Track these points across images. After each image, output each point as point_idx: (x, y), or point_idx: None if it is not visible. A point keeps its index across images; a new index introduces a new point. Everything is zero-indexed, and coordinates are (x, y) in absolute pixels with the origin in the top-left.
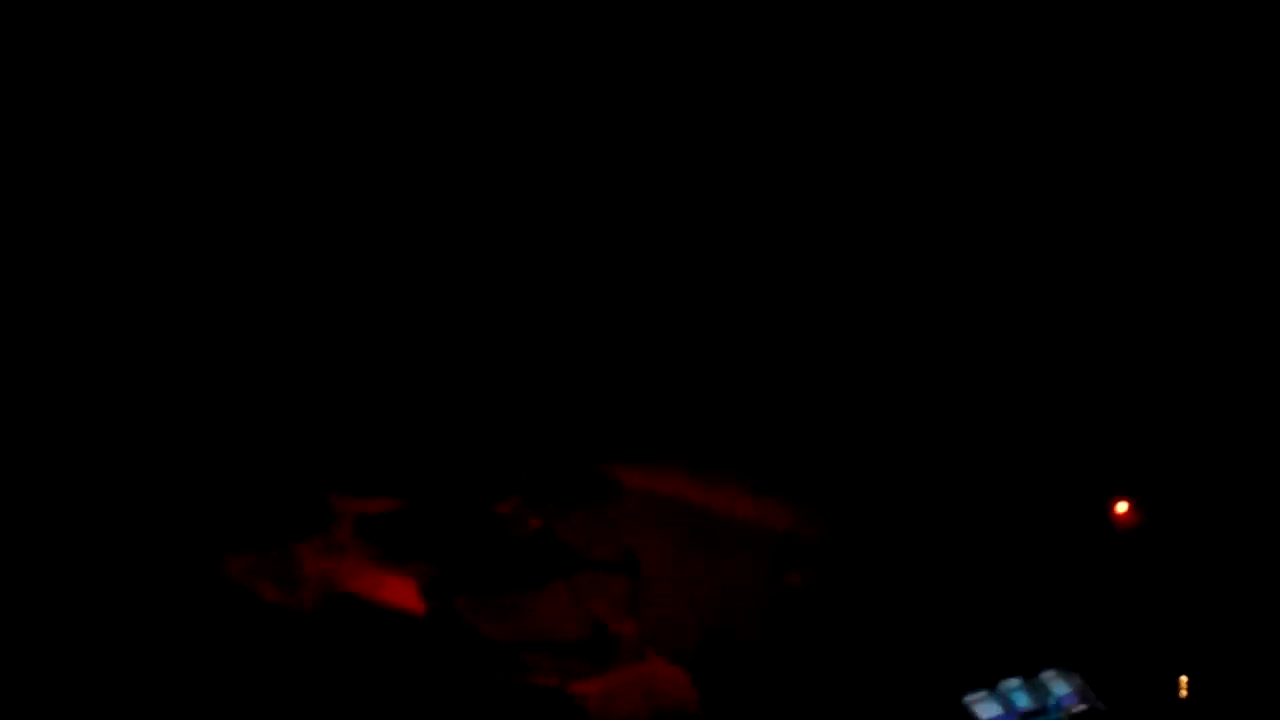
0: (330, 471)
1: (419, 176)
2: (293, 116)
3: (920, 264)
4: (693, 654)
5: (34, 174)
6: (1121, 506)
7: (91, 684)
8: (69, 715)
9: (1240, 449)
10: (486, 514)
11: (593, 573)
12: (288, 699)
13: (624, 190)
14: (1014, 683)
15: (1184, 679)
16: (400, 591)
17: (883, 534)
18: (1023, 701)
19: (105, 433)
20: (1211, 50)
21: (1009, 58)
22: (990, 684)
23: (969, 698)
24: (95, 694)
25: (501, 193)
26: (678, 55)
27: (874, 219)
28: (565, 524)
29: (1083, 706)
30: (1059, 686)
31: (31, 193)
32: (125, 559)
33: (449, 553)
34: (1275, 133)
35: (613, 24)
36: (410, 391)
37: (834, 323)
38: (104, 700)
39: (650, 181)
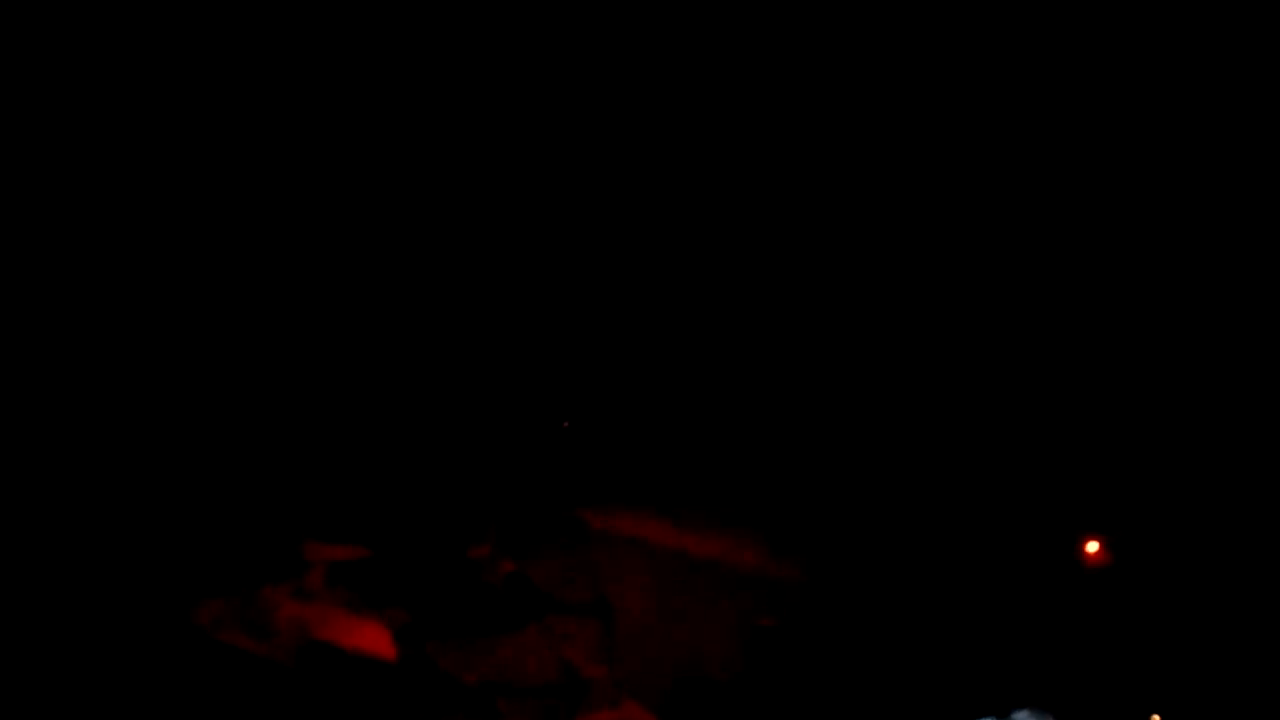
0: (301, 517)
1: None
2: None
3: (887, 297)
4: (668, 698)
5: (29, 175)
6: (1092, 546)
7: None
8: None
9: (1214, 484)
10: (459, 559)
11: (566, 616)
12: None
13: (588, 222)
14: None
15: (1156, 718)
16: (373, 638)
17: (856, 573)
18: None
19: (69, 470)
20: (1211, 50)
21: (1009, 58)
22: None
23: None
24: None
25: (467, 226)
26: (678, 55)
27: (836, 267)
28: (538, 568)
29: None
30: None
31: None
32: (90, 604)
33: (421, 598)
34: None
35: (613, 24)
36: (381, 435)
37: (804, 361)
38: None
39: (614, 210)
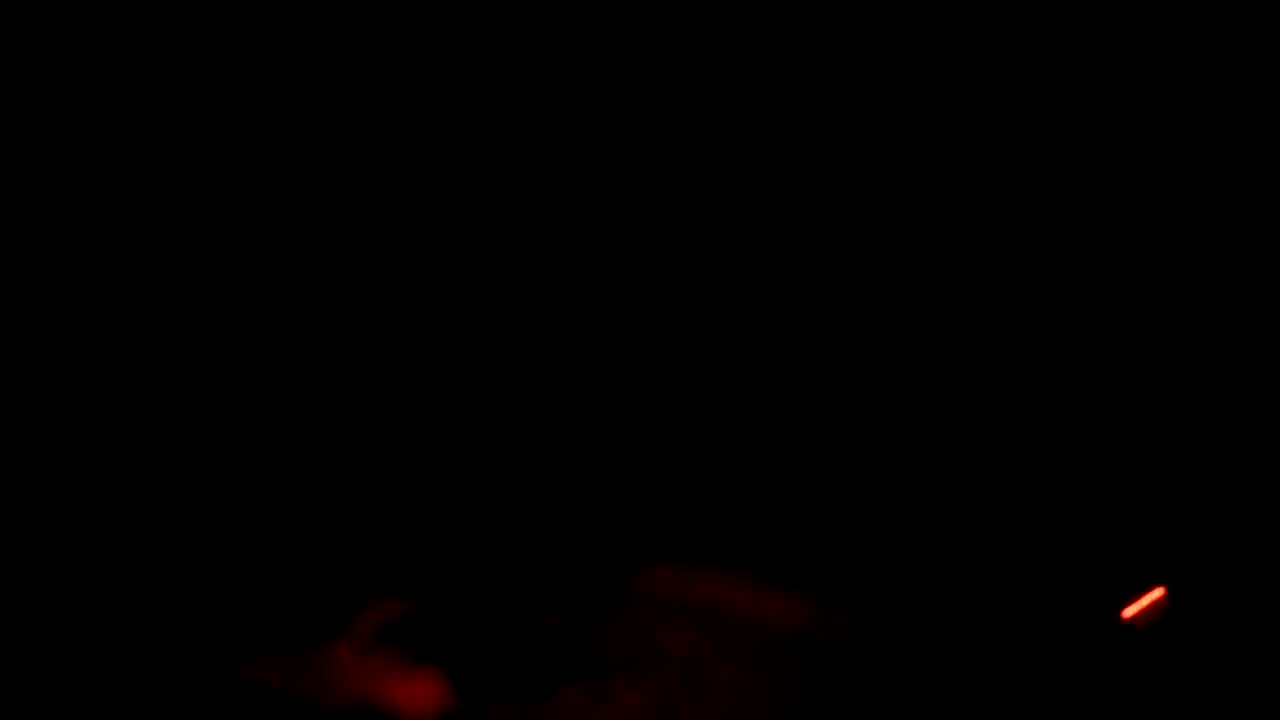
0: (350, 570)
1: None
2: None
3: (912, 336)
4: None
5: (31, 176)
6: (1145, 600)
7: None
8: None
9: (1269, 533)
10: (508, 615)
11: (614, 675)
12: None
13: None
14: None
15: None
16: (424, 693)
17: (908, 634)
18: None
19: (113, 523)
20: (1211, 50)
21: (1009, 58)
22: None
23: None
24: None
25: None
26: (677, 56)
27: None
28: (586, 625)
29: None
30: None
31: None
32: (137, 661)
33: (471, 655)
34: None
35: (613, 24)
36: (429, 492)
37: (849, 416)
38: None
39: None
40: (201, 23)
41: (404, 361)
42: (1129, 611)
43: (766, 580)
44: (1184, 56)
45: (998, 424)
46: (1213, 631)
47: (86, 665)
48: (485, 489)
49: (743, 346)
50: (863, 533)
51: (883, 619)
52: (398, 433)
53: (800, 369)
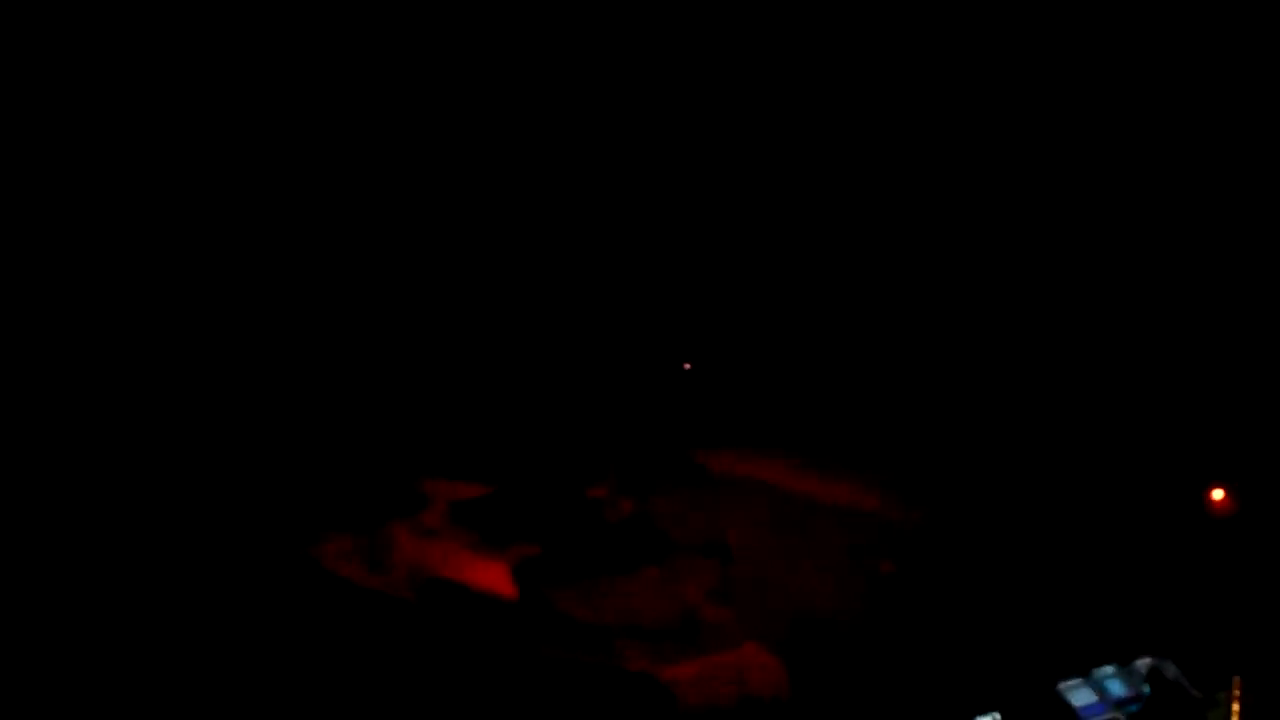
0: (423, 456)
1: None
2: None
3: (1008, 252)
4: (785, 640)
5: (37, 175)
6: (1217, 494)
7: (187, 664)
8: (171, 691)
9: None
10: (579, 498)
11: (685, 558)
12: (381, 681)
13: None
14: (1109, 670)
15: None
16: (492, 576)
17: (975, 519)
18: (1117, 689)
19: (200, 417)
20: (1211, 50)
21: (1009, 58)
22: (1084, 671)
23: (1063, 685)
24: (191, 673)
25: (587, 187)
26: (678, 56)
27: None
28: (657, 508)
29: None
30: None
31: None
32: (219, 542)
33: (541, 537)
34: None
35: (612, 24)
36: (504, 376)
37: (930, 304)
38: (199, 680)
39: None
40: (202, 24)
41: (477, 264)
42: (1202, 502)
43: (840, 467)
44: (1183, 57)
45: (1076, 327)
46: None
47: (167, 539)
48: (563, 376)
49: (832, 252)
50: (937, 425)
51: (954, 507)
52: (478, 325)
53: (890, 276)
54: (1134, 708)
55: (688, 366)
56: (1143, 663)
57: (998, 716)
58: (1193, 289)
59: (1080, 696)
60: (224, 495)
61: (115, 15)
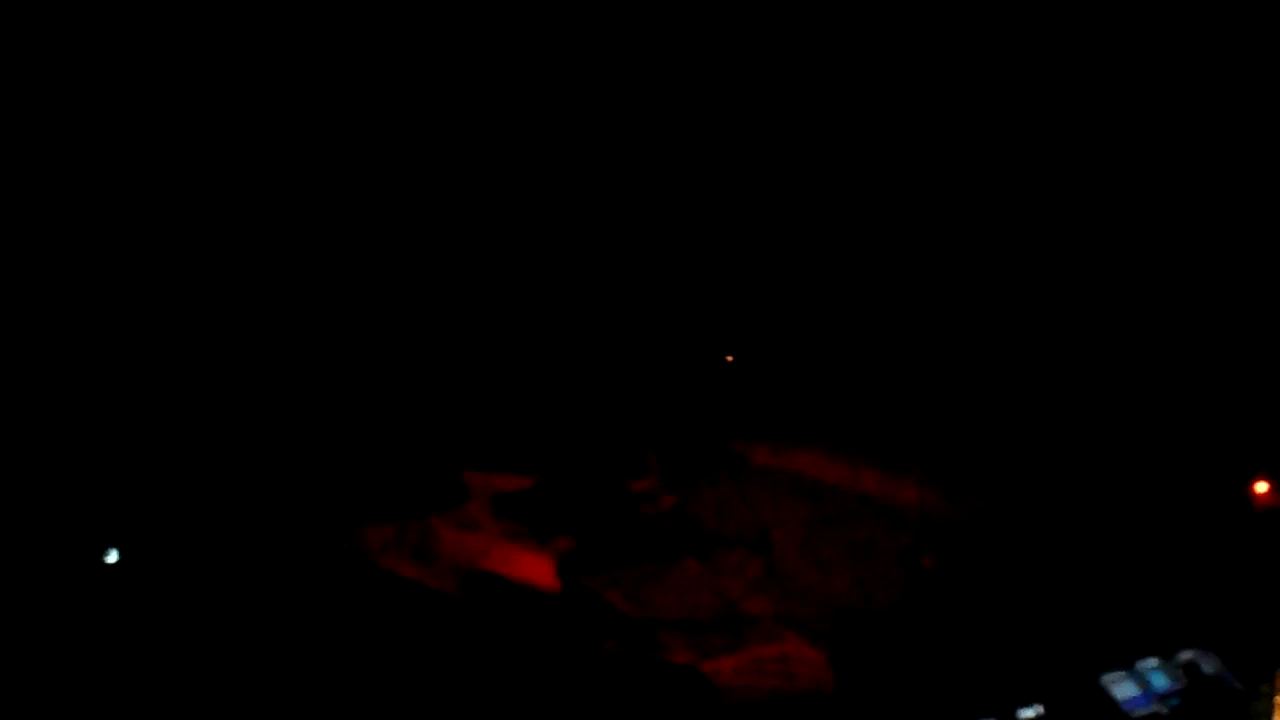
0: (466, 448)
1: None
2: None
3: (1055, 247)
4: (828, 633)
5: (40, 175)
6: (1261, 486)
7: (229, 654)
8: (214, 681)
9: None
10: (621, 491)
11: (727, 550)
12: (423, 673)
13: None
14: (1151, 663)
15: None
16: (535, 568)
17: (1018, 512)
18: (1160, 682)
19: (246, 410)
20: (1211, 50)
21: (1009, 58)
22: (1128, 664)
23: (1106, 677)
24: (233, 664)
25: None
26: (678, 56)
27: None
28: (700, 502)
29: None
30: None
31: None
32: (264, 533)
33: (584, 530)
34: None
35: (612, 24)
36: (547, 368)
37: (975, 300)
38: (242, 669)
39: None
40: (202, 25)
41: (515, 257)
42: (1247, 495)
43: (882, 461)
44: (1183, 57)
45: (1121, 324)
46: None
47: (209, 528)
48: (603, 368)
49: (877, 246)
50: (980, 419)
51: (996, 501)
52: (521, 318)
53: (917, 270)
54: (1176, 700)
55: (730, 359)
56: (1185, 655)
57: (1041, 709)
58: (1240, 283)
59: (1123, 689)
60: (268, 488)
61: (115, 15)
